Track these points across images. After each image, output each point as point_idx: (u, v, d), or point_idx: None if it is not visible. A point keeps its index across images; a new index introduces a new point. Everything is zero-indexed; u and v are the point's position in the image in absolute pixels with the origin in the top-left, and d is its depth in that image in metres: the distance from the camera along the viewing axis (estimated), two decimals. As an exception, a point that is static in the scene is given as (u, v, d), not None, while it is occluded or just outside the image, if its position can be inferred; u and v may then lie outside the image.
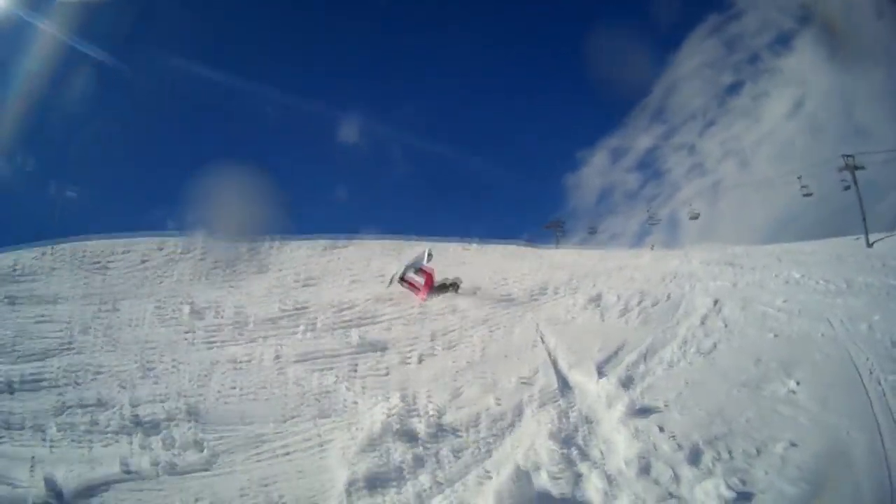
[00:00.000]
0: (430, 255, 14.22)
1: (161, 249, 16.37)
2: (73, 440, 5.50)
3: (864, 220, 25.63)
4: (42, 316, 9.46)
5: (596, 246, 30.14)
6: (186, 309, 10.76)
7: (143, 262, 15.06)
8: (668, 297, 12.80)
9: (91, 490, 4.56)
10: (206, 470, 5.10)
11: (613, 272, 16.37)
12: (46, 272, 12.84)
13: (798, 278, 13.90)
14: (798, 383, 7.49)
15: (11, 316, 9.32)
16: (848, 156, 28.60)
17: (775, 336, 9.74)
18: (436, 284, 13.56)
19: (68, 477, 4.65)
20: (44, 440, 5.45)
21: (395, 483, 5.05)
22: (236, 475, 5.04)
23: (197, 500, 4.54)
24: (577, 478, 5.43)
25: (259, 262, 16.74)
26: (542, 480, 5.29)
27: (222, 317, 10.59)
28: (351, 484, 4.87)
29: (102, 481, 4.69)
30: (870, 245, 20.49)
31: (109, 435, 5.62)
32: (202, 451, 5.37)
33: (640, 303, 12.33)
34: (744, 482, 5.31)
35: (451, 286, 13.67)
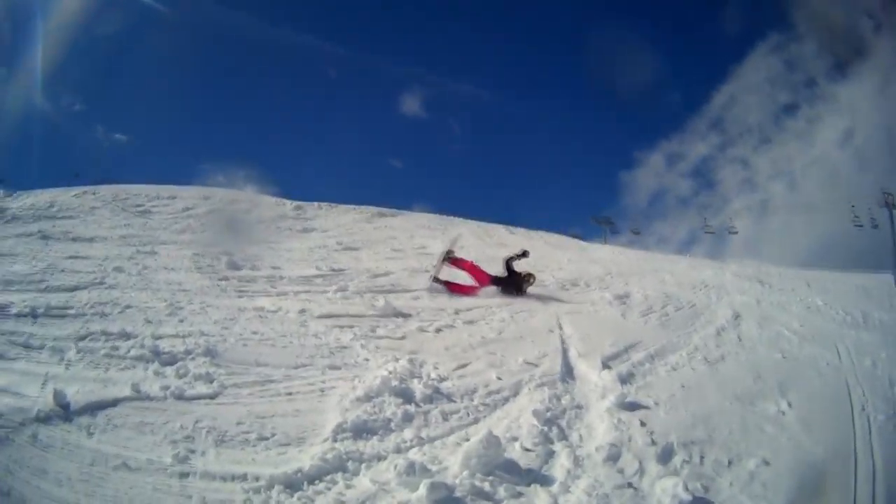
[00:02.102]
0: (449, 251, 12.98)
1: (207, 199, 16.74)
2: (90, 363, 5.67)
3: (895, 257, 25.69)
4: (77, 253, 9.59)
5: (642, 247, 30.21)
6: (224, 259, 11.02)
7: (187, 210, 15.42)
8: (693, 304, 13.19)
9: (99, 406, 4.76)
10: (211, 399, 5.33)
11: (647, 273, 16.75)
12: (86, 211, 13.00)
13: (820, 305, 14.34)
14: (790, 405, 7.58)
15: (43, 251, 9.41)
16: (888, 193, 28.34)
17: (783, 357, 9.92)
18: (495, 276, 12.57)
19: (79, 393, 4.84)
20: (61, 361, 5.60)
21: (380, 433, 5.23)
22: (238, 407, 5.25)
23: (196, 422, 4.76)
24: (549, 455, 5.51)
25: (304, 222, 16.98)
26: (514, 451, 5.41)
27: (258, 270, 10.84)
28: (339, 428, 5.07)
29: (111, 400, 4.89)
30: None
31: (127, 361, 5.81)
32: (211, 383, 5.60)
33: (664, 306, 12.70)
34: (706, 489, 5.36)
35: (520, 281, 12.51)
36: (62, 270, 8.44)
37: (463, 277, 12.49)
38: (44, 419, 4.40)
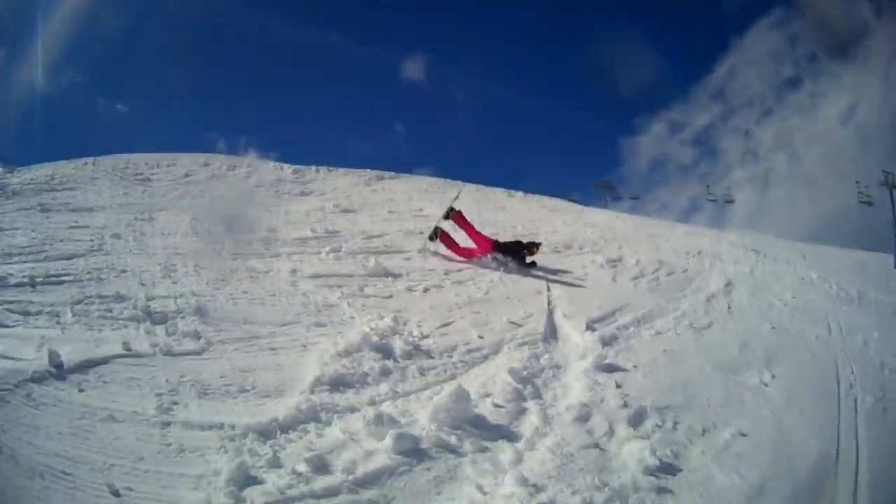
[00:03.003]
0: (451, 209, 12.38)
1: (207, 165, 16.82)
2: (84, 325, 5.83)
3: None
4: (76, 222, 9.69)
5: (642, 213, 30.22)
6: (221, 224, 11.14)
7: (187, 175, 15.41)
8: (685, 271, 13.38)
9: (91, 364, 4.95)
10: (197, 355, 5.56)
11: (643, 239, 16.84)
12: (86, 182, 13.01)
13: (814, 278, 14.46)
14: (774, 377, 7.63)
15: (43, 223, 9.48)
16: (889, 173, 28.23)
17: (772, 328, 10.09)
18: (501, 245, 11.64)
19: (73, 352, 5.02)
20: (57, 324, 5.76)
21: (356, 387, 5.42)
22: (221, 362, 5.47)
23: (181, 376, 4.99)
24: (520, 412, 5.64)
25: (302, 186, 17.06)
26: (485, 407, 5.55)
27: (254, 233, 11.00)
28: (317, 381, 5.28)
29: (103, 358, 5.08)
30: None
31: (120, 321, 5.99)
32: (199, 339, 5.81)
33: (655, 271, 12.88)
34: (675, 455, 5.36)
35: (522, 250, 11.61)
36: (61, 240, 8.59)
37: (463, 239, 12.01)
38: (38, 379, 4.57)
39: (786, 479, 5.37)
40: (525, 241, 12.05)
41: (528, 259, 11.50)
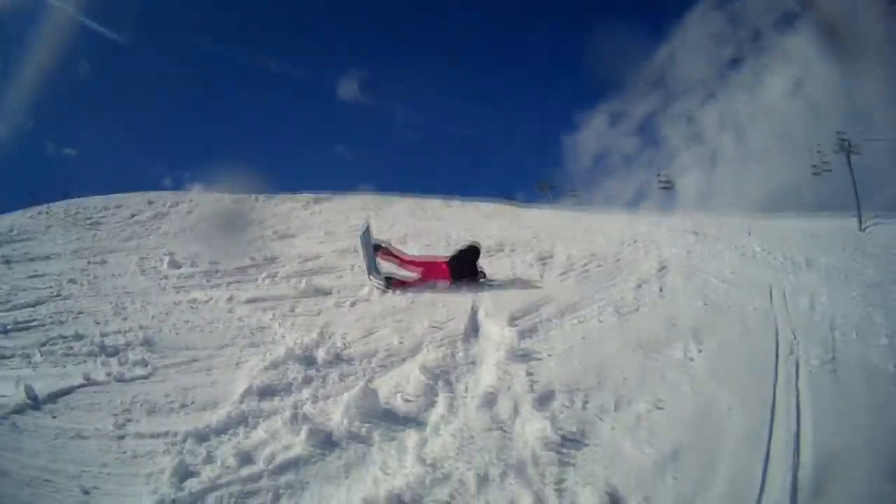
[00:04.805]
0: (366, 233, 11.56)
1: (151, 204, 17.64)
2: (51, 362, 6.64)
3: (857, 202, 26.13)
4: (35, 272, 10.52)
5: (586, 207, 30.55)
6: (166, 260, 12.00)
7: (133, 216, 16.38)
8: (618, 260, 13.50)
9: (60, 394, 5.77)
10: (145, 379, 6.34)
11: (578, 234, 17.13)
12: (42, 231, 13.89)
13: (757, 252, 14.31)
14: (700, 351, 7.46)
15: (7, 274, 10.34)
16: (841, 134, 28.91)
17: (704, 304, 9.93)
18: (457, 262, 11.27)
19: (43, 386, 5.79)
20: (29, 364, 6.57)
21: (281, 394, 6.06)
22: (166, 383, 6.23)
23: (133, 398, 5.76)
24: (430, 404, 5.97)
25: (244, 216, 17.74)
26: (396, 401, 5.95)
27: (196, 266, 11.74)
28: (246, 392, 5.97)
29: (69, 388, 5.91)
30: (862, 229, 20.60)
31: (80, 357, 6.81)
32: (146, 366, 6.59)
33: (585, 264, 13.05)
34: (582, 431, 5.44)
35: (476, 259, 11.40)
36: (24, 289, 9.38)
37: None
38: (19, 411, 5.43)
39: (702, 447, 5.26)
40: (464, 245, 11.73)
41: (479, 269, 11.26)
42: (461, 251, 11.48)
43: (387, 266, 11.59)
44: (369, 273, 11.09)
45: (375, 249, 11.40)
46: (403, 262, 11.55)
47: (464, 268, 11.12)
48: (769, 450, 5.23)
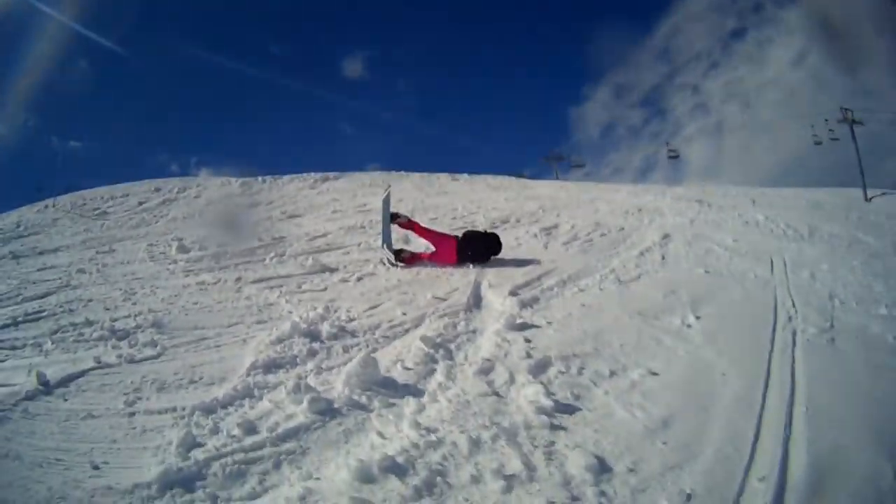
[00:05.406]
0: (386, 200, 11.49)
1: (158, 191, 17.81)
2: (62, 349, 6.75)
3: (861, 173, 26.02)
4: (44, 265, 10.66)
5: (595, 179, 30.41)
6: (175, 245, 12.09)
7: (141, 204, 16.47)
8: (622, 229, 13.65)
9: (71, 378, 5.89)
10: (155, 359, 6.47)
11: (583, 204, 17.13)
12: (49, 224, 13.93)
13: (761, 220, 14.31)
14: (698, 318, 7.58)
15: (16, 269, 10.47)
16: (846, 109, 28.60)
17: (705, 272, 10.05)
18: (461, 240, 10.86)
19: (55, 372, 5.93)
20: (40, 352, 6.67)
21: (287, 367, 6.21)
22: (175, 362, 6.38)
23: (143, 378, 5.93)
24: (429, 373, 6.12)
25: (250, 198, 17.99)
26: (395, 371, 6.13)
27: (205, 249, 11.89)
28: (252, 366, 6.12)
29: (80, 372, 6.03)
30: (868, 199, 20.27)
31: (91, 342, 6.93)
32: (156, 347, 6.73)
33: (589, 234, 13.27)
34: (577, 397, 5.56)
35: (483, 238, 11.05)
36: (34, 282, 9.50)
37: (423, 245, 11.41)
38: (31, 397, 5.54)
39: (694, 412, 5.32)
40: (477, 229, 11.59)
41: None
42: (477, 237, 11.13)
43: (403, 234, 11.97)
44: (382, 243, 11.12)
45: (393, 218, 11.35)
46: (424, 233, 11.38)
47: (475, 254, 10.77)
48: (761, 417, 5.27)
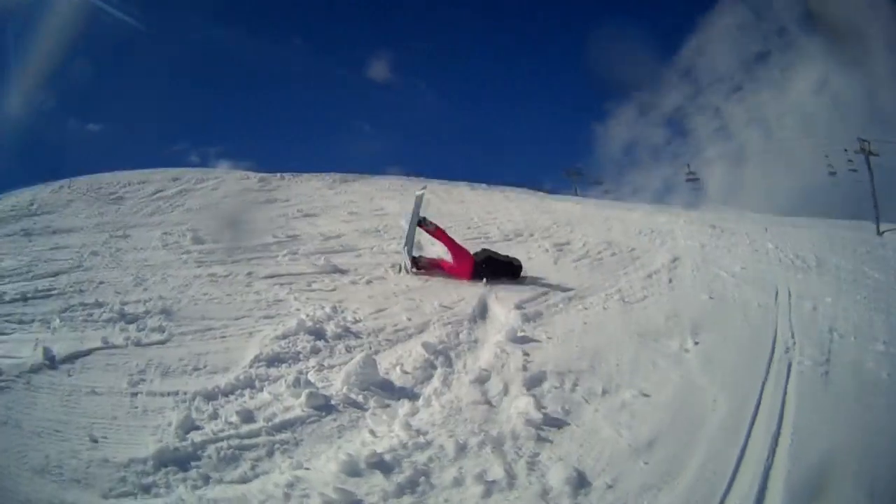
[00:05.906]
0: (418, 202, 11.45)
1: (176, 180, 17.81)
2: (70, 327, 6.86)
3: (875, 206, 25.85)
4: (56, 244, 10.70)
5: (613, 197, 30.21)
6: (189, 235, 12.16)
7: (157, 192, 16.44)
8: (633, 249, 13.60)
9: (77, 356, 6.02)
10: (161, 344, 6.59)
11: (597, 222, 17.06)
12: (63, 205, 13.97)
13: (770, 249, 14.26)
14: (696, 343, 7.61)
15: (28, 246, 10.50)
16: (864, 140, 28.42)
17: (710, 298, 10.06)
18: (480, 261, 10.62)
19: (61, 348, 6.04)
20: (48, 329, 6.78)
21: (289, 362, 6.35)
22: (181, 349, 6.50)
23: (148, 361, 6.06)
24: (427, 378, 6.28)
25: (267, 194, 17.92)
26: (394, 373, 6.31)
27: (218, 242, 11.92)
28: (256, 358, 6.26)
29: (86, 350, 6.16)
30: (880, 233, 20.15)
31: (99, 323, 7.05)
32: (163, 333, 6.85)
33: (600, 252, 13.29)
34: (566, 412, 5.65)
35: (503, 265, 10.71)
36: (45, 261, 9.57)
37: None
38: (35, 370, 5.66)
39: (680, 435, 5.38)
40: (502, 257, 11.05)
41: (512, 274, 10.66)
42: (497, 263, 10.83)
43: (426, 239, 11.80)
44: (405, 245, 11.00)
45: (421, 223, 11.19)
46: (443, 239, 11.09)
47: (491, 276, 10.39)
48: (745, 445, 5.33)
